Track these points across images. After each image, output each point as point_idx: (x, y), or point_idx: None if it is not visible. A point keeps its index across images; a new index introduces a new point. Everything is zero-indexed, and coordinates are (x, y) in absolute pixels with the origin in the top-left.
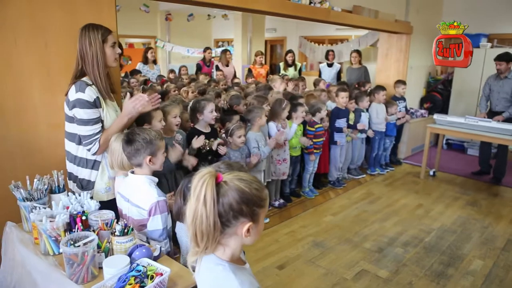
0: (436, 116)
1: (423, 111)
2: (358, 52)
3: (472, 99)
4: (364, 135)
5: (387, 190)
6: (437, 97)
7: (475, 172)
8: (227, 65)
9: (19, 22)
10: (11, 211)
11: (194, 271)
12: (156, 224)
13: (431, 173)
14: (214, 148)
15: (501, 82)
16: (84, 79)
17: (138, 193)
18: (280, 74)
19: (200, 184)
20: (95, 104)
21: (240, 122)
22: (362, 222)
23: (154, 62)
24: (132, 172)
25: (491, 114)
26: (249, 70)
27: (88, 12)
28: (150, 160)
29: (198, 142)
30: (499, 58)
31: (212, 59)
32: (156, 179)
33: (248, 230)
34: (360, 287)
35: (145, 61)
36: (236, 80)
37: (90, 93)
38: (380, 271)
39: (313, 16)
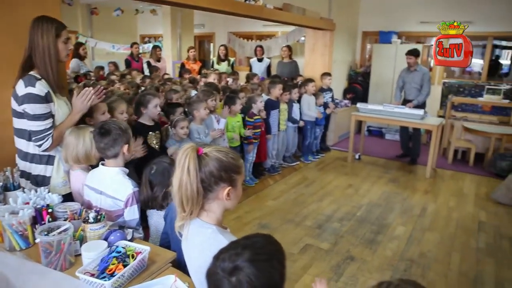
0: (359, 105)
1: (346, 101)
2: (288, 47)
3: (387, 89)
4: (296, 125)
5: (320, 174)
6: (358, 88)
7: (399, 155)
8: (158, 61)
9: None
10: None
11: (181, 237)
12: (134, 213)
13: (357, 157)
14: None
15: (411, 75)
16: (33, 72)
17: (114, 185)
18: (213, 68)
19: (184, 157)
20: (46, 99)
21: (185, 114)
22: (301, 203)
23: (85, 58)
24: (103, 164)
25: (405, 102)
26: (182, 65)
27: (31, 7)
28: (126, 149)
29: (137, 143)
30: (409, 53)
31: (140, 55)
32: (127, 170)
33: (228, 194)
34: (306, 258)
35: (79, 57)
36: (166, 76)
37: (40, 87)
38: (321, 243)
39: (249, 13)
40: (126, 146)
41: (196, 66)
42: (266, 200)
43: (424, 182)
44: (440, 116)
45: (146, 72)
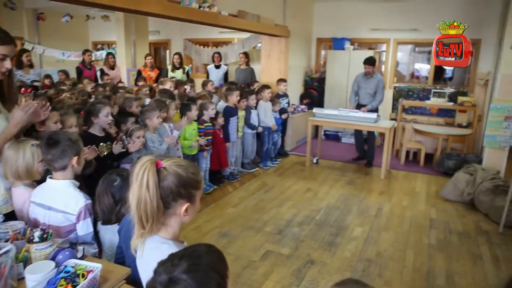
0: (315, 110)
1: (303, 106)
2: (245, 53)
3: (342, 93)
4: (255, 132)
5: (279, 179)
6: (314, 93)
7: (355, 158)
8: (112, 69)
9: None
10: None
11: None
12: (88, 227)
13: (315, 161)
14: (115, 152)
15: (367, 81)
16: None
17: (64, 198)
18: (169, 76)
19: (142, 171)
20: None
21: (137, 124)
22: (261, 209)
23: (31, 66)
24: (51, 178)
25: (359, 107)
26: (139, 73)
27: None
28: (76, 161)
29: (91, 153)
30: (367, 62)
31: (93, 63)
32: (78, 183)
33: (186, 210)
34: (267, 265)
35: (19, 65)
36: (120, 84)
37: None
38: (282, 249)
39: (203, 20)
40: (75, 158)
41: (153, 74)
42: (226, 208)
43: (379, 183)
44: (392, 119)
45: (100, 80)
